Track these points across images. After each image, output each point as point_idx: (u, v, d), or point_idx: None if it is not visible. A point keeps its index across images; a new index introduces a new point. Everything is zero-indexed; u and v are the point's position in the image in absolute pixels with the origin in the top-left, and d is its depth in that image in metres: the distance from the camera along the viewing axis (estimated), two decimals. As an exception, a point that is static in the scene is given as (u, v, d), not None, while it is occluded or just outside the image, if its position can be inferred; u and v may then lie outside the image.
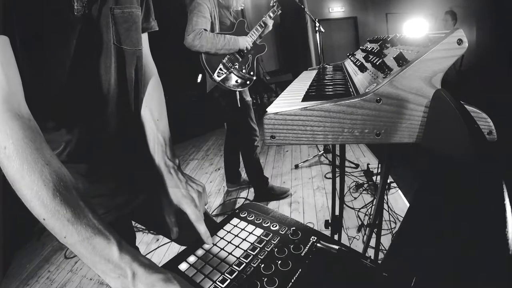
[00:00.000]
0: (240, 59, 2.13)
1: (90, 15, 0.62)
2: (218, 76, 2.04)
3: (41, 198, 0.45)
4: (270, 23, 2.21)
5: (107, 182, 0.76)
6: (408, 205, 2.07)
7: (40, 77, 0.60)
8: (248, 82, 2.17)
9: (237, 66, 2.11)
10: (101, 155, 0.74)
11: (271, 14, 2.21)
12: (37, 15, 0.55)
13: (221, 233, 0.69)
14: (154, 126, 0.79)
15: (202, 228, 0.65)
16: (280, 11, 2.26)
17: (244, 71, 2.14)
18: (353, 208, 2.18)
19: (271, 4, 2.25)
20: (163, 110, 0.84)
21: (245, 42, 2.09)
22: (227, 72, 2.07)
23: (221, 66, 2.05)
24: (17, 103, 0.50)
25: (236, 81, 2.12)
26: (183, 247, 0.68)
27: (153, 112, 0.81)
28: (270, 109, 0.58)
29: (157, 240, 2.21)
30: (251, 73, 2.19)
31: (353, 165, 2.83)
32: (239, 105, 2.19)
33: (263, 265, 0.56)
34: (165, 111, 0.85)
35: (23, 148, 0.46)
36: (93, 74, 0.66)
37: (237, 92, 2.15)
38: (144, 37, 0.82)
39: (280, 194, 2.50)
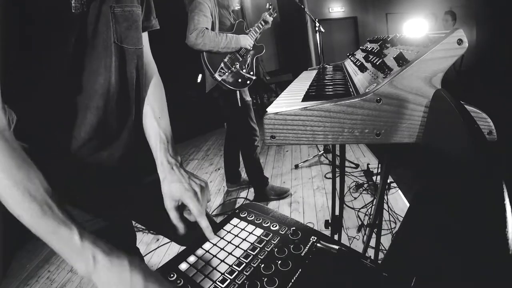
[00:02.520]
0: (241, 59, 2.14)
1: (89, 13, 0.62)
2: (220, 76, 2.05)
3: (14, 198, 0.50)
4: (270, 20, 2.26)
5: (106, 181, 0.76)
6: (408, 205, 2.07)
7: (39, 76, 0.60)
8: (248, 82, 2.18)
9: (237, 66, 2.12)
10: (101, 153, 0.74)
11: (268, 16, 2.24)
12: (34, 12, 0.55)
13: (221, 233, 0.69)
14: (156, 124, 0.80)
15: (204, 223, 0.66)
16: (276, 13, 2.29)
17: (244, 70, 2.15)
18: (353, 208, 2.18)
19: (267, 7, 2.27)
20: (164, 108, 0.85)
21: (247, 41, 2.10)
22: (229, 72, 2.08)
23: (222, 65, 2.06)
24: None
25: (237, 81, 2.12)
26: (183, 247, 0.68)
27: (155, 110, 0.82)
28: (270, 109, 0.58)
29: (157, 240, 2.21)
30: (251, 73, 2.21)
31: (353, 165, 2.83)
32: (239, 105, 2.19)
33: (263, 265, 0.56)
34: (166, 109, 0.86)
35: (8, 165, 0.50)
36: (93, 72, 0.66)
37: (237, 92, 2.16)
38: (145, 36, 0.82)
39: (280, 194, 2.50)
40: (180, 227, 0.72)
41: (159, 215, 0.74)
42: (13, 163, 0.50)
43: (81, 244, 0.52)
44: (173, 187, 0.72)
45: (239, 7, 2.24)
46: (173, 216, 0.72)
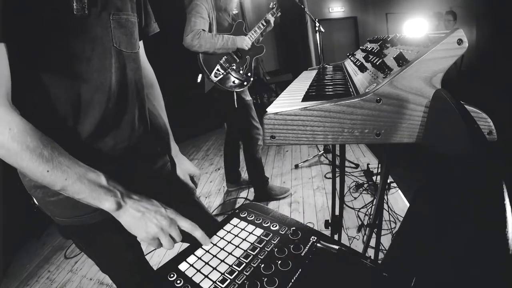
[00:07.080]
0: (238, 60, 2.13)
1: (90, 17, 0.66)
2: (216, 77, 2.04)
3: (44, 156, 0.57)
4: (272, 20, 2.23)
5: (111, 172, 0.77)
6: (408, 205, 2.07)
7: (42, 74, 0.63)
8: (245, 83, 2.16)
9: (234, 67, 2.11)
10: (105, 145, 0.76)
11: (270, 16, 2.22)
12: (38, 13, 0.58)
13: (221, 233, 0.69)
14: (165, 119, 1.01)
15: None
16: (279, 13, 2.27)
17: (241, 71, 2.14)
18: (353, 208, 2.18)
19: (270, 6, 2.25)
20: (163, 107, 1.02)
21: (243, 41, 2.09)
22: (224, 73, 2.07)
23: (218, 66, 2.05)
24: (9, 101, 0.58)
25: (234, 82, 2.12)
26: (183, 248, 0.68)
27: (159, 107, 0.99)
28: (270, 109, 0.58)
29: (157, 240, 2.21)
30: (249, 74, 2.19)
31: (353, 165, 2.83)
32: (236, 106, 2.18)
33: (263, 265, 0.56)
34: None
35: (25, 131, 0.57)
36: (95, 71, 0.69)
37: (235, 93, 2.15)
38: (140, 43, 0.90)
39: (280, 194, 2.50)
40: (195, 185, 1.03)
41: (164, 202, 0.74)
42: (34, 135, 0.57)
43: (108, 182, 0.64)
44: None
45: (236, 12, 2.23)
46: (185, 178, 1.02)
